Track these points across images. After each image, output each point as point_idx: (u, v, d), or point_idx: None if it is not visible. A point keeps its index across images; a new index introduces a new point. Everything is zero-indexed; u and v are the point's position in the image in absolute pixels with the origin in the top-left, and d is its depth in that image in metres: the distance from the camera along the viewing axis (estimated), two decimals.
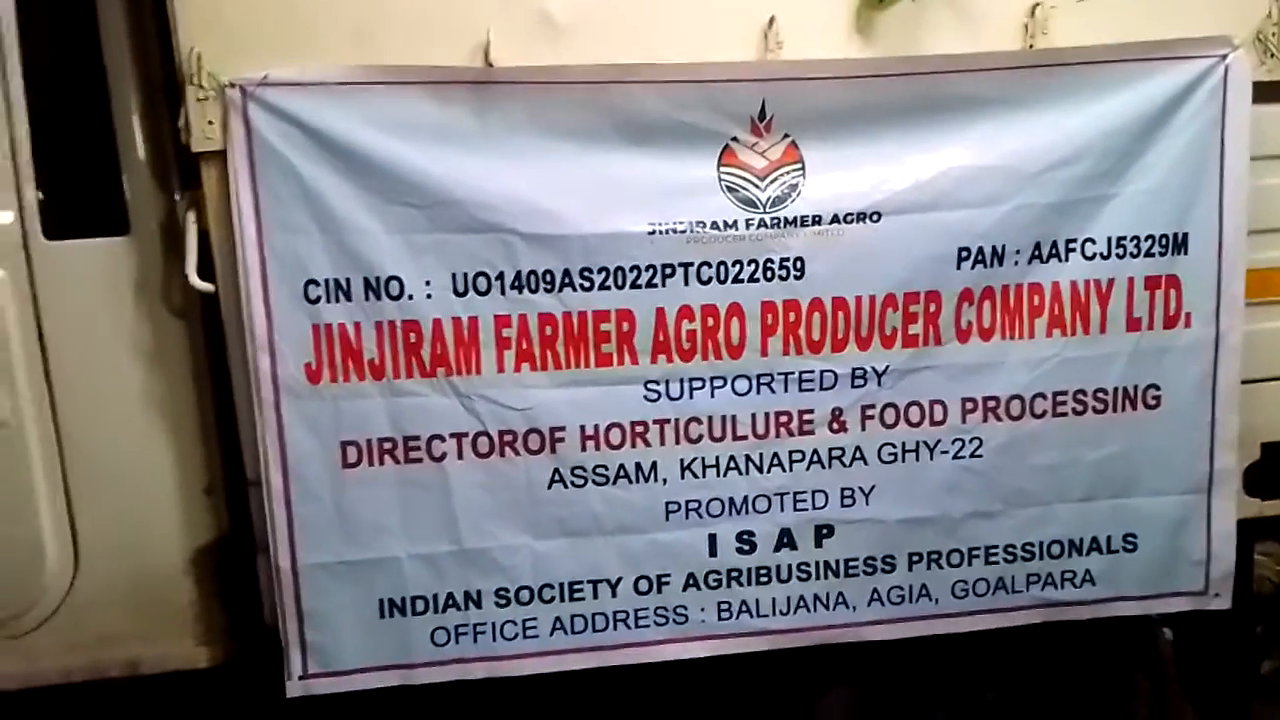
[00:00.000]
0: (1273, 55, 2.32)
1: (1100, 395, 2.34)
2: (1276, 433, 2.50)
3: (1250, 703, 3.13)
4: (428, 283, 2.12)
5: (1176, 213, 2.31)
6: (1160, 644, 2.64)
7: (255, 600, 2.28)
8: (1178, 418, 2.37)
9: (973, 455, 2.32)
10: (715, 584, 2.31)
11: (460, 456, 2.19)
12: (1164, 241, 2.31)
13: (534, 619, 2.27)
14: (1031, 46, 2.24)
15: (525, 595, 2.26)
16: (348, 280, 2.11)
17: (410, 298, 2.12)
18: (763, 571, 2.32)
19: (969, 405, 2.31)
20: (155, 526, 2.30)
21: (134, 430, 2.25)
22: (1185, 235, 2.32)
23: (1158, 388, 2.36)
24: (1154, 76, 2.25)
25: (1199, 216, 2.31)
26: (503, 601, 2.25)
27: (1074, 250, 2.29)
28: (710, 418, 2.24)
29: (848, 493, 2.31)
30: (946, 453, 2.32)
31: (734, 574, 2.32)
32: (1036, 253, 2.28)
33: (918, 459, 2.31)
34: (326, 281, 2.10)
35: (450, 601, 2.24)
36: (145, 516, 2.29)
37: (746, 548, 2.31)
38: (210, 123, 2.04)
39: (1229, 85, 2.27)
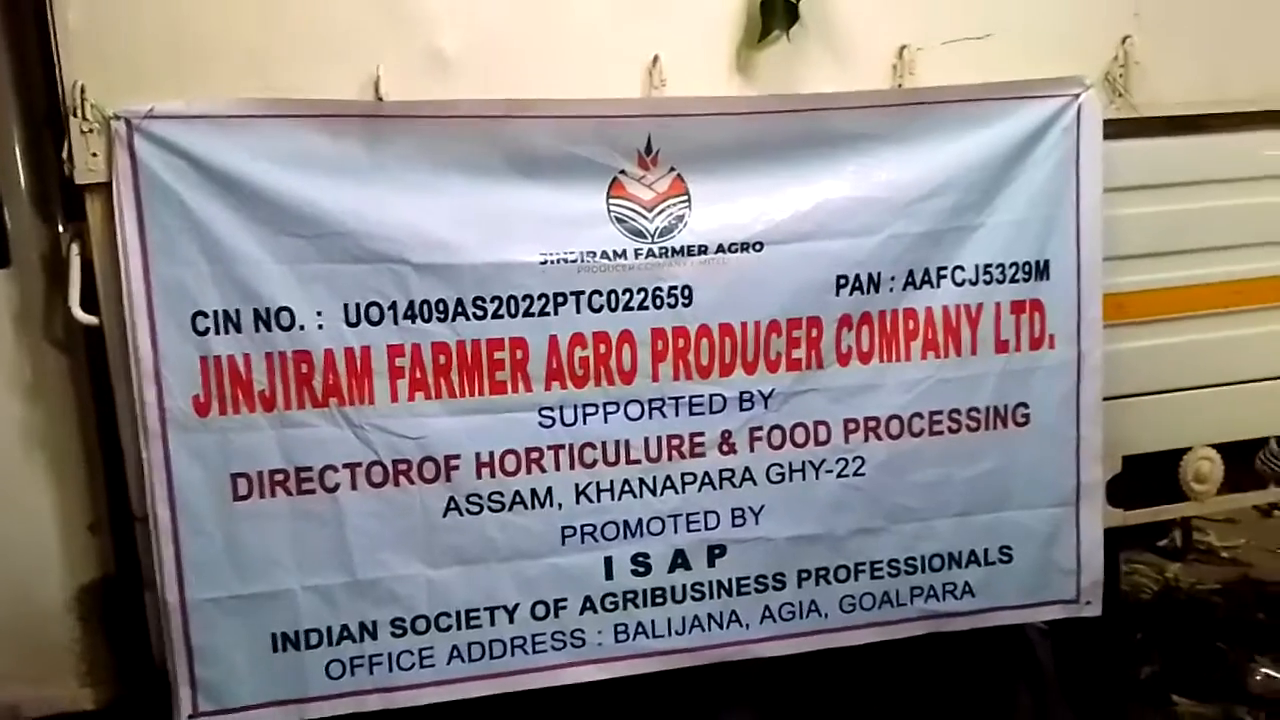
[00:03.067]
0: (1121, 94, 2.48)
1: (973, 414, 2.43)
2: (1136, 446, 2.62)
3: (1126, 706, 3.25)
4: (319, 313, 2.11)
5: (1038, 241, 2.42)
6: (1039, 654, 2.72)
7: (143, 639, 2.20)
8: (1045, 434, 2.47)
9: (856, 474, 2.39)
10: (612, 606, 2.32)
11: (354, 487, 2.16)
12: (1027, 268, 2.42)
13: (430, 648, 2.24)
14: (900, 85, 2.34)
15: (421, 624, 2.23)
16: (237, 311, 2.08)
17: (301, 328, 2.10)
18: (658, 593, 2.34)
19: (851, 425, 2.37)
20: (38, 565, 2.22)
21: (14, 466, 2.17)
22: (1047, 262, 2.43)
23: (1026, 406, 2.46)
24: (1013, 114, 2.38)
25: (1059, 244, 2.43)
26: (399, 631, 2.22)
27: (945, 277, 2.38)
28: (604, 443, 2.26)
29: (738, 513, 2.35)
30: (831, 471, 2.38)
31: (630, 596, 2.33)
32: (910, 279, 2.37)
33: (804, 478, 2.37)
34: (215, 313, 2.07)
35: (345, 633, 2.20)
36: (27, 555, 2.21)
37: (642, 569, 2.32)
38: (95, 155, 2.01)
39: (1082, 122, 2.40)
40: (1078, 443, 2.49)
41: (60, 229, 2.16)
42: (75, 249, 2.07)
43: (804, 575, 2.40)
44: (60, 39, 1.96)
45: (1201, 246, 2.60)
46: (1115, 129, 2.46)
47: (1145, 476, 2.65)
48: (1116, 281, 2.53)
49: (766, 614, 2.39)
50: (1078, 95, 2.40)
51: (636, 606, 2.33)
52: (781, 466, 2.35)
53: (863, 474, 2.39)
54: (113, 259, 2.03)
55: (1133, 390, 2.60)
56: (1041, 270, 2.43)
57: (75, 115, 1.98)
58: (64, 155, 2.01)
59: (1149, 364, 2.60)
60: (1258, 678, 3.76)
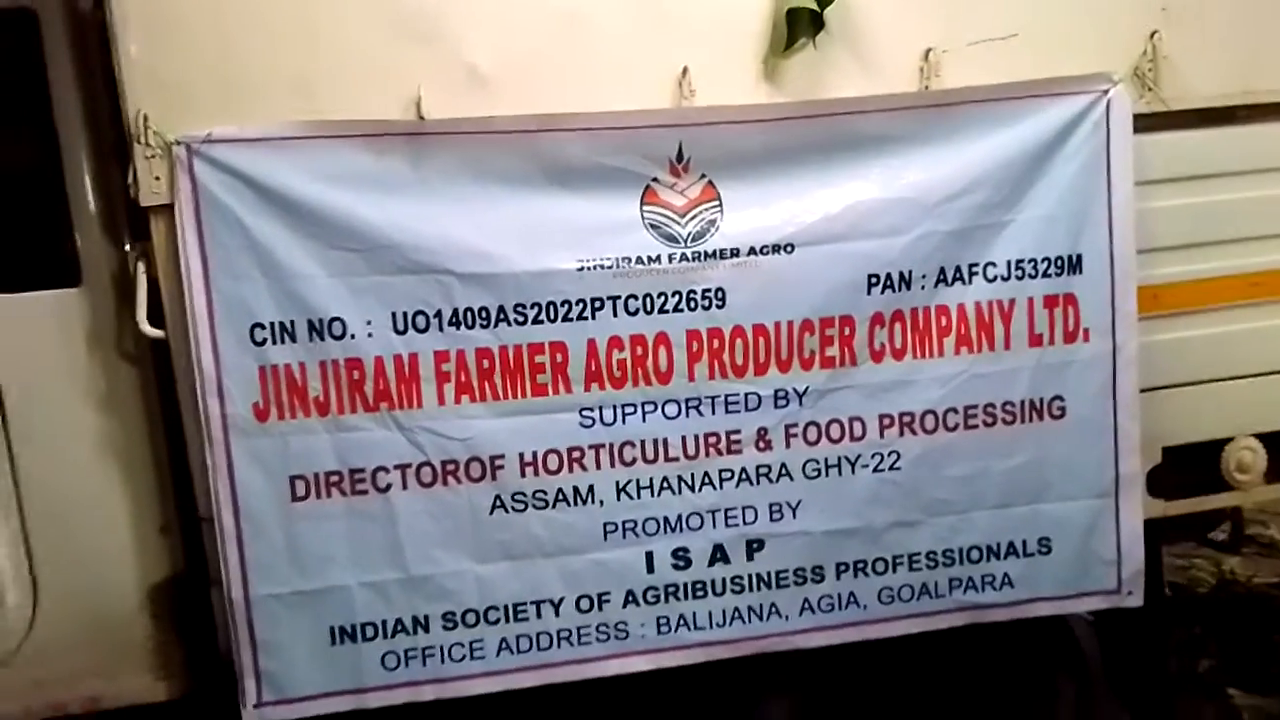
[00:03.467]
0: (1150, 89, 2.48)
1: (1008, 408, 2.45)
2: (1176, 437, 2.62)
3: (1180, 698, 3.23)
4: (368, 322, 2.21)
5: (1070, 236, 2.44)
6: (1083, 644, 2.72)
7: (211, 634, 2.32)
8: (1082, 427, 2.48)
9: (892, 468, 2.42)
10: (653, 600, 2.38)
11: (405, 487, 2.26)
12: (1060, 263, 2.44)
13: (480, 640, 2.33)
14: (927, 88, 2.38)
15: (471, 618, 2.32)
16: (292, 323, 2.19)
17: (352, 337, 2.21)
18: (698, 586, 2.40)
19: (886, 421, 2.41)
20: (112, 566, 2.35)
21: (90, 473, 2.31)
22: (1079, 256, 2.45)
23: (1062, 399, 2.47)
24: (1042, 111, 2.40)
25: (1091, 238, 2.45)
26: (449, 625, 2.31)
27: (976, 273, 2.41)
28: (643, 441, 2.33)
29: (776, 508, 2.40)
30: (867, 466, 2.42)
31: (671, 589, 2.39)
32: (941, 277, 2.40)
33: (840, 473, 2.41)
34: (272, 324, 2.18)
35: (399, 627, 2.30)
36: (102, 556, 2.34)
37: (682, 564, 2.38)
38: (158, 178, 2.13)
39: (1112, 117, 2.42)
40: (1115, 434, 2.49)
41: (127, 249, 2.28)
42: (141, 267, 2.20)
43: (842, 568, 2.44)
44: (124, 71, 2.10)
45: (1236, 237, 2.59)
46: (1146, 123, 2.48)
47: (1187, 467, 2.64)
48: (1151, 274, 2.53)
49: (805, 606, 2.44)
50: (1106, 91, 2.42)
51: (678, 599, 2.39)
52: (818, 462, 2.40)
53: (898, 468, 2.42)
54: (176, 276, 2.16)
55: (1171, 381, 2.60)
56: (1074, 264, 2.45)
57: (139, 142, 2.11)
58: (129, 179, 2.14)
59: (1186, 355, 2.60)
60: None
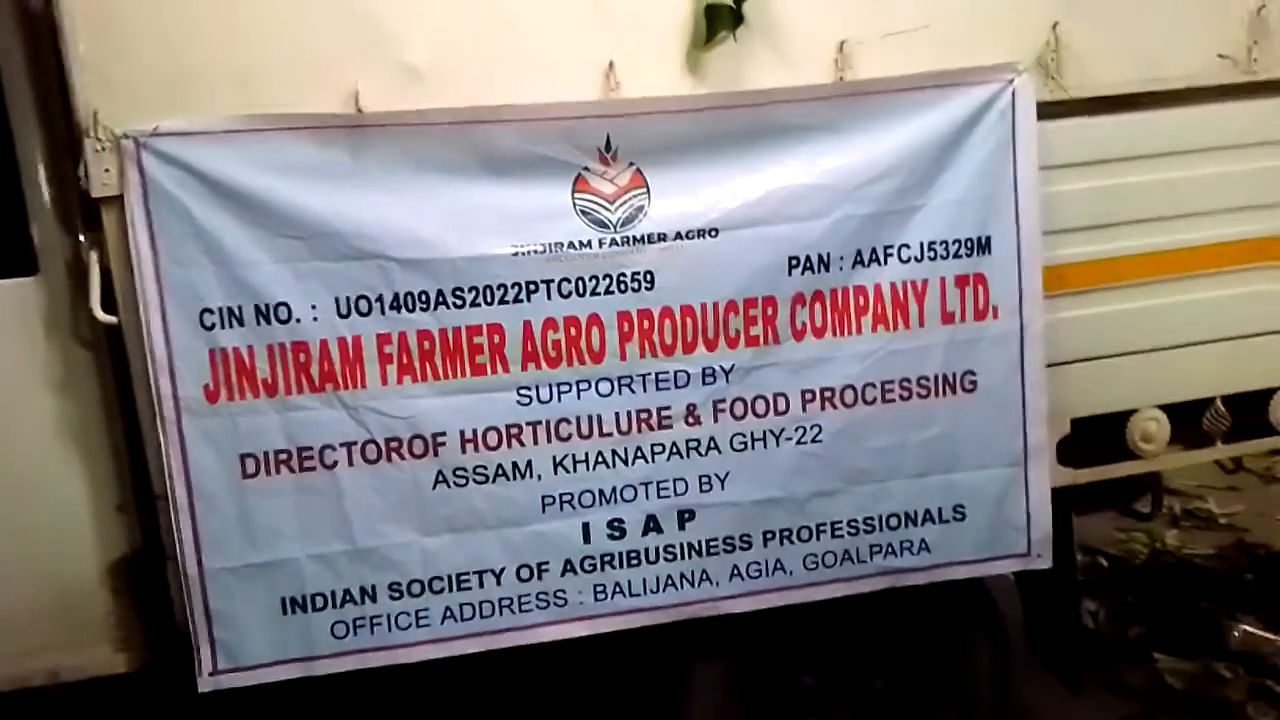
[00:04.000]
0: (1053, 78, 2.62)
1: (923, 382, 2.60)
2: (1084, 409, 2.78)
3: (1103, 663, 3.39)
4: (313, 307, 2.32)
5: (979, 219, 2.59)
6: (1000, 606, 2.87)
7: (167, 608, 2.42)
8: (993, 399, 2.63)
9: (814, 440, 2.56)
10: (590, 569, 2.51)
11: (351, 463, 2.37)
12: (970, 244, 2.59)
13: (425, 609, 2.44)
14: (842, 79, 2.51)
15: (416, 588, 2.43)
16: (240, 307, 2.29)
17: (298, 321, 2.32)
18: (633, 555, 2.52)
19: (808, 396, 2.55)
20: (72, 543, 2.44)
21: (48, 454, 2.40)
22: (989, 238, 2.59)
23: (974, 373, 2.62)
24: (951, 100, 2.54)
25: (999, 221, 2.59)
26: (396, 595, 2.43)
27: (891, 255, 2.55)
28: (578, 418, 2.45)
29: (705, 479, 2.53)
30: (791, 439, 2.55)
31: (607, 558, 2.51)
32: (859, 259, 2.54)
33: (765, 446, 2.54)
34: (220, 309, 2.29)
35: (347, 597, 2.41)
36: (62, 534, 2.43)
37: (617, 534, 2.51)
38: (108, 170, 2.23)
39: (1017, 105, 2.56)
40: (1024, 407, 2.64)
41: (81, 239, 2.36)
42: (94, 256, 2.28)
43: (769, 536, 2.57)
44: (73, 68, 2.19)
45: (1138, 218, 2.73)
46: (1051, 110, 2.61)
47: (1094, 437, 2.80)
48: (1058, 254, 2.68)
49: (735, 573, 2.57)
50: (1011, 80, 2.55)
51: (613, 568, 2.51)
52: (744, 435, 2.53)
53: (820, 440, 2.56)
54: (127, 264, 2.25)
55: (1078, 356, 2.75)
56: (983, 246, 2.59)
57: (89, 136, 2.20)
58: (80, 172, 2.23)
59: (1092, 331, 2.75)
60: (1237, 634, 3.90)
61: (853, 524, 2.62)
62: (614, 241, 2.42)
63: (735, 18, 2.41)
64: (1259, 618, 4.01)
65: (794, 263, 2.50)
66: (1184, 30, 2.70)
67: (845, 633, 2.81)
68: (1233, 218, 2.79)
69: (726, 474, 2.54)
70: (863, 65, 2.52)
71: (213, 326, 2.29)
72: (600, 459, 2.47)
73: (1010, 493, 2.67)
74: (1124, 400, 2.81)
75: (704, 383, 2.50)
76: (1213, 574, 4.52)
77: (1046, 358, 2.66)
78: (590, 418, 2.46)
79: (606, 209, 2.43)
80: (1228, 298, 2.82)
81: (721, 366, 2.50)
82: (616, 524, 2.51)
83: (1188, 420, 2.87)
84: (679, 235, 2.44)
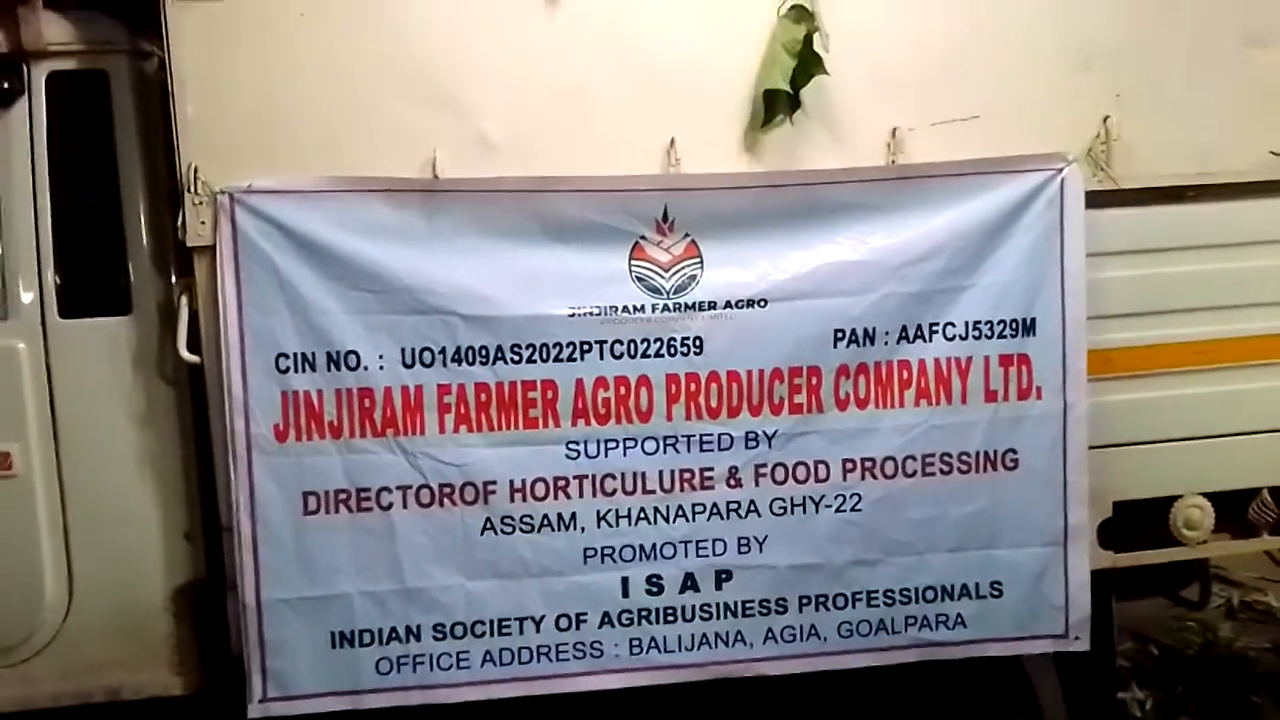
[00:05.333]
0: (1103, 169, 2.71)
1: (964, 458, 2.66)
2: (1126, 493, 2.80)
3: None
4: (381, 356, 2.48)
5: (1025, 301, 2.67)
6: (1037, 686, 2.87)
7: (225, 635, 2.56)
8: (1034, 478, 2.68)
9: (853, 509, 2.64)
10: (627, 622, 2.60)
11: (405, 506, 2.51)
12: (1015, 325, 2.66)
13: (466, 651, 2.55)
14: (893, 162, 2.63)
15: (459, 630, 2.55)
16: (313, 354, 2.47)
17: (365, 369, 2.48)
18: (669, 611, 2.61)
19: (849, 465, 2.63)
20: (141, 567, 2.62)
21: (128, 481, 2.59)
22: (1034, 320, 2.67)
23: (1015, 451, 2.68)
24: (1000, 186, 2.65)
25: (1045, 304, 2.67)
26: (439, 635, 2.54)
27: (936, 332, 2.64)
28: (623, 474, 2.57)
29: (744, 541, 2.62)
30: (830, 506, 2.63)
31: (644, 613, 2.60)
32: (904, 334, 2.64)
33: (805, 512, 2.62)
34: (295, 355, 2.47)
35: (393, 634, 2.53)
36: (133, 558, 2.62)
37: (655, 589, 2.60)
38: (203, 222, 2.45)
39: (1065, 194, 2.65)
40: (1065, 487, 2.69)
41: (173, 283, 2.58)
42: (184, 300, 2.49)
43: (804, 601, 2.64)
44: (180, 128, 2.42)
45: (1182, 307, 2.78)
46: (1100, 199, 2.70)
47: (1136, 522, 2.82)
48: (1104, 338, 2.74)
49: (769, 635, 2.63)
50: (1060, 170, 2.65)
51: (650, 623, 2.60)
52: (784, 500, 2.62)
53: (860, 509, 2.63)
54: (214, 309, 2.45)
55: (1122, 440, 2.79)
56: (1029, 327, 2.66)
57: (189, 190, 2.43)
58: (179, 223, 2.45)
59: (1137, 415, 2.79)
60: None
61: (889, 594, 2.67)
62: (666, 307, 2.56)
63: (792, 103, 2.55)
64: None
65: (839, 335, 2.60)
66: (1235, 126, 2.78)
67: (882, 707, 2.83)
68: (1276, 310, 2.83)
69: (765, 537, 2.62)
70: (914, 150, 2.64)
71: (287, 370, 2.46)
72: (643, 515, 2.58)
73: (1049, 572, 2.70)
74: (1167, 486, 2.84)
75: (747, 446, 2.60)
76: (1266, 668, 4.40)
77: (1090, 440, 2.70)
78: (635, 474, 2.57)
79: (661, 276, 2.57)
80: (1274, 389, 2.84)
81: (765, 432, 2.60)
82: (655, 580, 2.60)
83: (1233, 509, 2.88)
84: (729, 304, 2.57)
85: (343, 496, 2.49)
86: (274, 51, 2.45)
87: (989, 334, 2.66)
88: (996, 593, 2.70)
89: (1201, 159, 2.77)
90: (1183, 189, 2.77)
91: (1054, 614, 2.71)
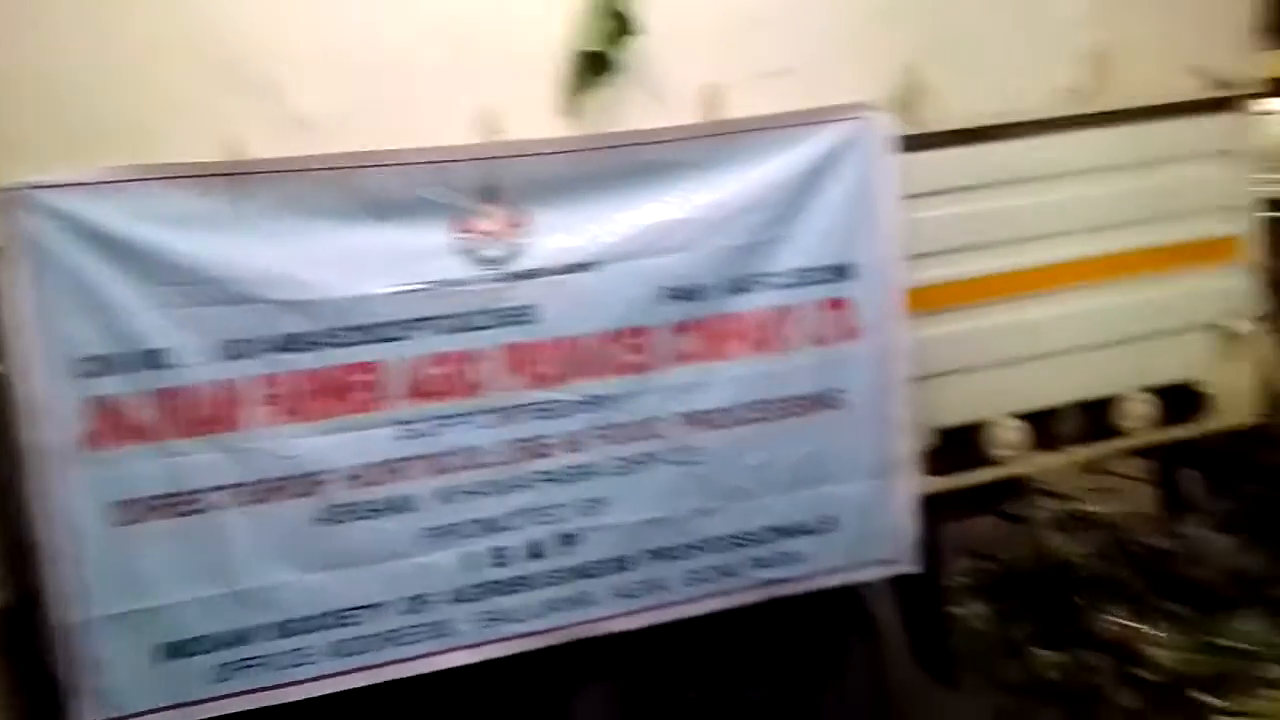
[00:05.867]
0: (910, 113, 2.84)
1: (795, 402, 2.79)
2: (948, 421, 3.01)
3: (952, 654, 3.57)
4: (193, 351, 2.38)
5: (844, 246, 2.78)
6: (873, 610, 3.07)
7: (45, 656, 2.42)
8: (860, 415, 2.84)
9: (692, 461, 2.72)
10: (474, 597, 2.62)
11: (232, 506, 2.43)
12: (836, 270, 2.78)
13: (309, 647, 2.51)
14: (710, 119, 2.67)
15: (299, 626, 2.51)
16: (120, 354, 2.34)
17: (178, 366, 2.37)
18: (517, 582, 2.65)
19: (686, 419, 2.71)
20: None
21: None
22: (853, 264, 2.79)
23: (842, 391, 2.82)
24: (813, 137, 2.74)
25: (863, 247, 2.79)
26: (279, 634, 2.50)
27: (761, 283, 2.73)
28: (459, 450, 2.57)
29: (588, 504, 2.67)
30: (670, 461, 2.71)
31: (491, 586, 2.63)
32: (731, 287, 2.71)
33: (646, 469, 2.70)
34: (99, 357, 2.33)
35: (230, 639, 2.47)
36: None
37: (500, 562, 2.63)
38: None
39: (875, 140, 2.77)
40: (890, 421, 2.85)
41: None
42: None
43: (650, 555, 2.73)
44: None
45: (994, 241, 2.98)
46: (912, 143, 2.82)
47: (957, 446, 3.02)
48: (922, 276, 2.90)
49: (617, 593, 2.71)
50: (869, 117, 2.76)
51: (498, 595, 2.63)
52: (624, 460, 2.68)
53: (699, 461, 2.72)
54: (12, 313, 2.27)
55: (941, 370, 2.97)
56: (849, 271, 2.78)
57: None
58: None
59: (955, 347, 2.98)
60: (1106, 626, 4.18)
61: (732, 539, 2.79)
62: (495, 278, 2.54)
63: (609, 63, 2.55)
64: (1130, 610, 4.31)
65: (670, 293, 2.65)
66: (1029, 68, 2.95)
67: (728, 646, 2.97)
68: (1080, 239, 3.07)
69: (608, 498, 2.68)
70: (733, 106, 2.69)
71: (93, 374, 2.33)
72: (482, 490, 2.59)
73: (879, 502, 2.88)
74: (984, 410, 3.05)
75: (584, 411, 2.63)
76: (1088, 571, 4.82)
77: (912, 373, 2.87)
78: (471, 450, 2.57)
79: (487, 246, 2.54)
80: (1077, 312, 3.09)
81: (602, 395, 2.64)
82: (499, 552, 2.63)
83: (1045, 427, 3.11)
84: (559, 270, 2.57)
85: (163, 502, 2.39)
86: (68, 35, 2.27)
87: (811, 280, 2.76)
88: (831, 527, 2.85)
89: (1003, 99, 2.94)
90: (987, 129, 2.93)
91: (885, 541, 2.89)
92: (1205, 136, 3.11)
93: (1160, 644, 3.82)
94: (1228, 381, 3.26)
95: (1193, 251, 3.14)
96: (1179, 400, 3.23)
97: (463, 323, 2.53)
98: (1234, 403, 3.28)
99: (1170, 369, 3.20)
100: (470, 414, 2.55)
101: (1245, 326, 3.22)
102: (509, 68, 2.55)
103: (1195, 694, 3.40)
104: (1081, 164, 3.04)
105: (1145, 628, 4.14)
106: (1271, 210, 3.41)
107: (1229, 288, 3.21)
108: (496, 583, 2.62)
